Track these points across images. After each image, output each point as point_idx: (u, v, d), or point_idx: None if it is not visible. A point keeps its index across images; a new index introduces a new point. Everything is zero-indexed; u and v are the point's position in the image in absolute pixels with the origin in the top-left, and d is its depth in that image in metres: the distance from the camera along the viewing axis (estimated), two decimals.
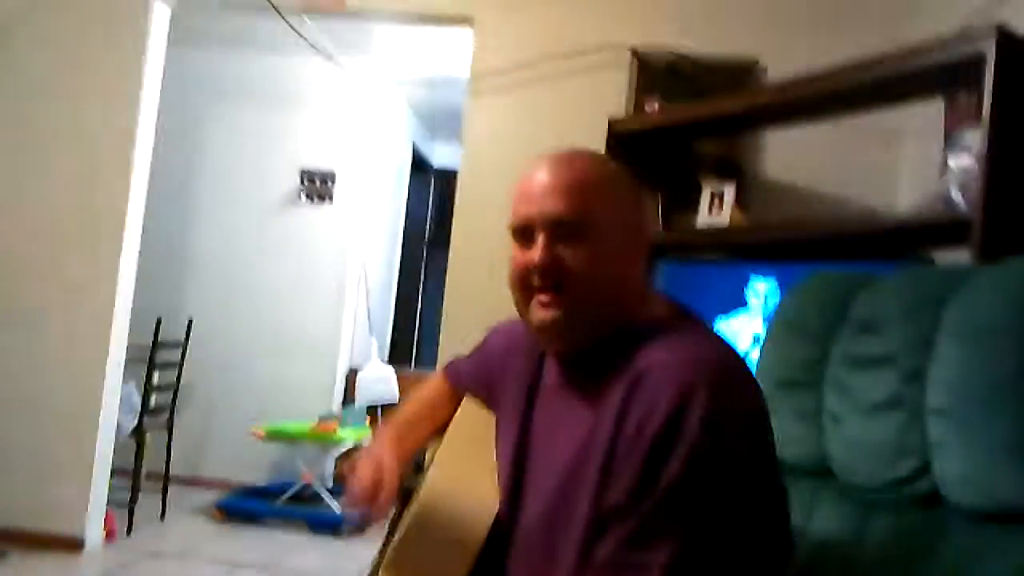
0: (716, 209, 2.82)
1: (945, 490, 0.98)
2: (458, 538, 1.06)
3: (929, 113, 2.56)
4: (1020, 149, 1.89)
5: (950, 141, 2.21)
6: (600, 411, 0.99)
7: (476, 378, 1.33)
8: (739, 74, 3.08)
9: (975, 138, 1.96)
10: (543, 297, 1.03)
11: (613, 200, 1.06)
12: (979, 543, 0.92)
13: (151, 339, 3.98)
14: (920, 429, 1.01)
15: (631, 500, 0.89)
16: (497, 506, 1.09)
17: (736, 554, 0.88)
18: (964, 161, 2.04)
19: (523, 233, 1.05)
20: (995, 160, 1.84)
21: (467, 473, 1.17)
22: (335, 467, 4.81)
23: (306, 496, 4.52)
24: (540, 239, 1.03)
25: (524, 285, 1.05)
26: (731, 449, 0.89)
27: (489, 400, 1.27)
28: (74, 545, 3.53)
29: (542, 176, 1.05)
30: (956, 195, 2.04)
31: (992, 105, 1.84)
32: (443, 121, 6.11)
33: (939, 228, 2.14)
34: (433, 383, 1.43)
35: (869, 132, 2.90)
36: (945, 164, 2.16)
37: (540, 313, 1.04)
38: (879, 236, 2.42)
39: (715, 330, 1.08)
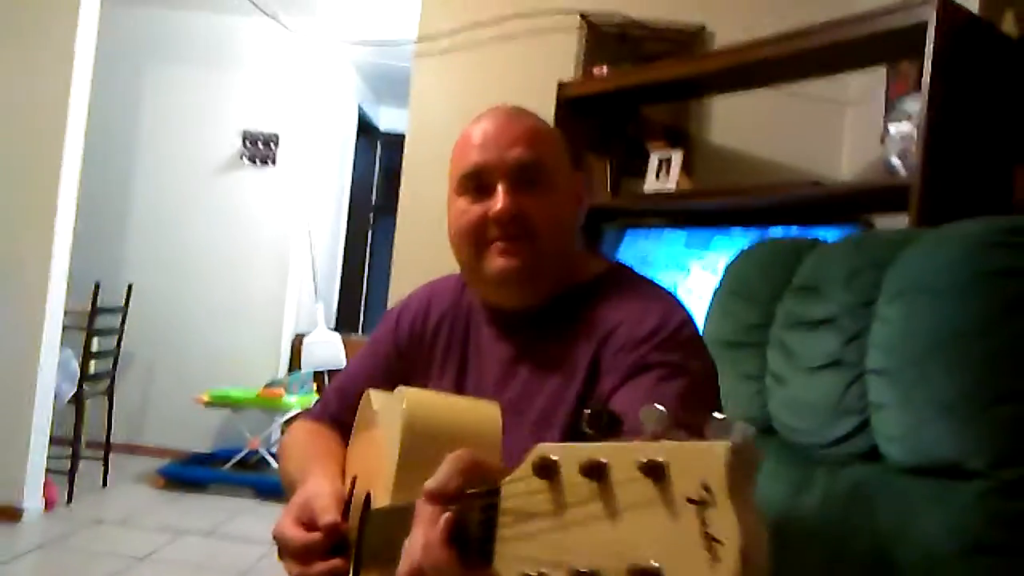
0: (663, 175, 2.82)
1: (883, 447, 1.01)
2: None
3: (872, 81, 2.60)
4: (958, 116, 1.93)
5: (891, 109, 2.24)
6: (565, 371, 0.99)
7: (383, 366, 1.16)
8: (686, 40, 3.08)
9: (915, 105, 1.99)
10: (503, 245, 0.99)
11: (561, 152, 1.06)
12: (915, 497, 0.95)
13: (90, 305, 3.88)
14: (860, 388, 1.04)
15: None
16: None
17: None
18: (904, 128, 2.07)
19: (475, 184, 1.01)
20: (934, 127, 1.87)
21: None
22: (281, 433, 4.78)
23: (252, 462, 4.48)
24: (501, 187, 0.99)
25: (477, 238, 1.00)
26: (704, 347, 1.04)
27: (409, 372, 1.13)
28: (13, 514, 3.45)
29: (495, 125, 1.02)
30: (896, 162, 2.08)
31: (932, 72, 1.87)
32: (390, 84, 6.01)
33: (880, 194, 2.18)
34: (301, 430, 1.18)
35: (814, 99, 2.93)
36: (886, 131, 2.20)
37: (500, 261, 0.99)
38: (822, 202, 2.45)
39: (657, 281, 1.09)
